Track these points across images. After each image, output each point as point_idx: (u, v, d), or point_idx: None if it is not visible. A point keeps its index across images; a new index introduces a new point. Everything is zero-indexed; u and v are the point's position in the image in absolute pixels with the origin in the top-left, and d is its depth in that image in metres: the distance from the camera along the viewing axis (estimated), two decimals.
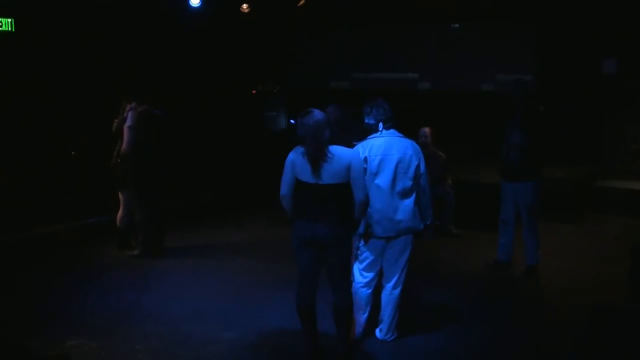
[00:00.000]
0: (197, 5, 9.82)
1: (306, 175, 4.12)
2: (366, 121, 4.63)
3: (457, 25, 11.47)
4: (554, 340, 4.81)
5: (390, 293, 4.73)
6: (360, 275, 4.70)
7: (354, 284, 4.68)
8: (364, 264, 4.68)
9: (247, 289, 5.90)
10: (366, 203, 4.23)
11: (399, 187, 4.52)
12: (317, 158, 4.07)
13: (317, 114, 4.13)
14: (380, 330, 4.80)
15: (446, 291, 5.94)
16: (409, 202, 4.55)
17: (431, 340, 4.84)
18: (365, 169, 4.43)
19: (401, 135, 4.65)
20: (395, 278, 4.70)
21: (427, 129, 7.95)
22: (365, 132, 4.65)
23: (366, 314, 4.76)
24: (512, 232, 6.50)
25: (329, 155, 4.06)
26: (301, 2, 11.13)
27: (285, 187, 4.25)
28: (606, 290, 5.69)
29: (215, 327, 4.98)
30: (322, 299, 4.46)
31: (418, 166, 4.58)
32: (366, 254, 4.65)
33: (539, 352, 4.70)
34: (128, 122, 6.51)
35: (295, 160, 4.17)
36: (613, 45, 9.91)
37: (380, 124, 4.58)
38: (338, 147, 4.13)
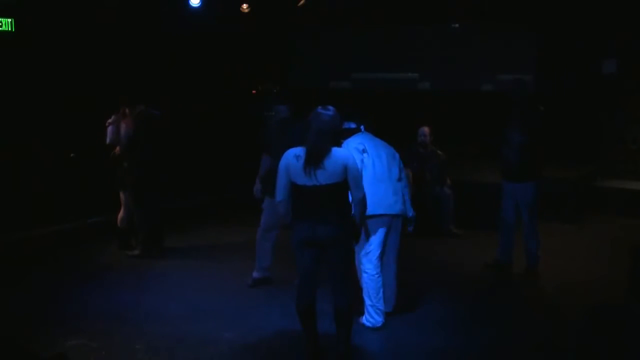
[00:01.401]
0: (197, 5, 9.82)
1: (302, 179, 4.09)
2: (345, 126, 4.96)
3: (457, 25, 11.46)
4: (554, 340, 4.80)
5: (390, 266, 5.03)
6: (372, 265, 4.89)
7: (366, 275, 4.89)
8: (372, 253, 4.87)
9: (247, 289, 5.89)
10: (364, 201, 4.24)
11: (393, 174, 4.97)
12: (313, 156, 4.03)
13: (333, 113, 4.16)
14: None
15: (446, 291, 5.93)
16: (400, 187, 4.99)
17: (431, 340, 4.84)
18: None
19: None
20: (393, 254, 5.05)
21: (426, 128, 7.95)
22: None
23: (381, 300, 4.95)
24: (512, 232, 6.49)
25: (326, 156, 4.05)
26: (301, 2, 11.13)
27: (281, 193, 4.21)
28: (606, 290, 5.69)
29: (215, 327, 4.98)
30: (323, 299, 4.45)
31: (398, 161, 5.07)
32: (373, 242, 4.86)
33: (539, 352, 4.70)
34: (122, 131, 6.57)
35: (290, 164, 4.13)
36: (613, 45, 9.91)
37: (362, 127, 5.08)
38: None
